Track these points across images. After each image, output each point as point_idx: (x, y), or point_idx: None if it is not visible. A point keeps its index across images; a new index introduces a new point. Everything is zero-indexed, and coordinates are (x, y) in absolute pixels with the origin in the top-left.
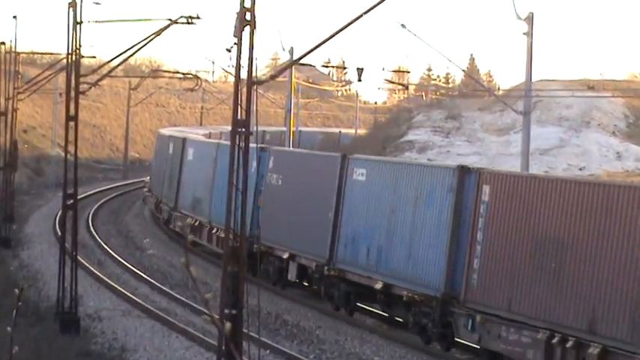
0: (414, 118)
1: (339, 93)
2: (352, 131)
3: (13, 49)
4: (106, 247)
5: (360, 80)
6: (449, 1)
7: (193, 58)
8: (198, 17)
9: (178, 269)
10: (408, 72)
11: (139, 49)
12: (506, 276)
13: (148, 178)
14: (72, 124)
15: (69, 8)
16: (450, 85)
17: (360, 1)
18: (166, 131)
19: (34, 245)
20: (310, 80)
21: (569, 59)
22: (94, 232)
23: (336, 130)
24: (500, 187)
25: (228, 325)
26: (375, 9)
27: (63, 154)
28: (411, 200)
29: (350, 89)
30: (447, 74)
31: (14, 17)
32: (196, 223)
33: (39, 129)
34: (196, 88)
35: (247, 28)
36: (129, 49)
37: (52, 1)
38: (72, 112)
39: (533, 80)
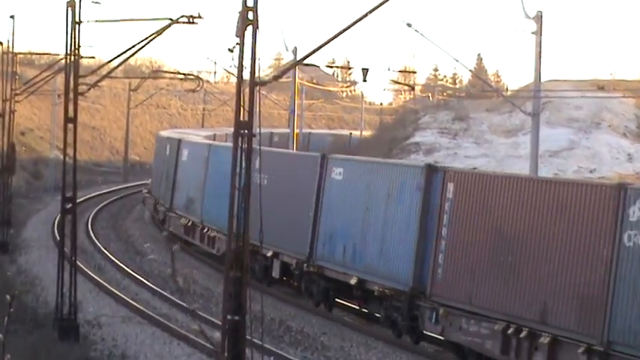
0: (420, 119)
1: (344, 94)
2: (358, 133)
3: (11, 50)
4: (105, 251)
5: (365, 81)
6: None
7: (195, 58)
8: (199, 17)
9: (180, 274)
10: (415, 72)
11: (139, 50)
12: (468, 270)
13: (149, 180)
14: (71, 126)
15: (67, 8)
16: (457, 86)
17: None
18: (166, 133)
19: (32, 250)
20: (314, 81)
21: (578, 59)
22: (93, 237)
23: (346, 132)
24: (463, 185)
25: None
26: (380, 8)
27: (61, 156)
28: (383, 198)
29: (355, 90)
30: (454, 74)
31: (11, 17)
32: (189, 224)
33: (37, 131)
34: (198, 89)
35: (250, 28)
36: (129, 50)
37: (50, 1)
38: (71, 113)
39: (542, 80)
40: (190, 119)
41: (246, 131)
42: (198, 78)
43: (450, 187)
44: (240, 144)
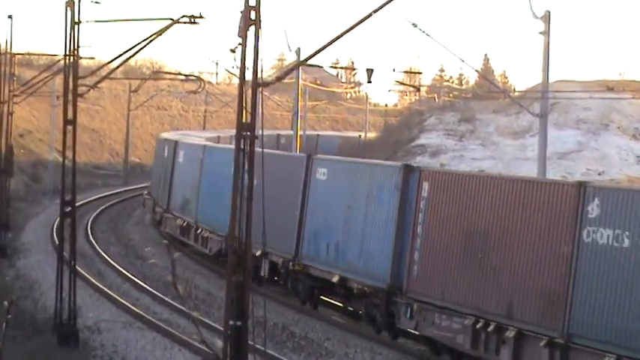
0: (426, 121)
1: (348, 95)
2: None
3: (9, 50)
4: (105, 256)
5: (369, 82)
6: None
7: (196, 59)
8: (201, 16)
9: (181, 279)
10: (420, 73)
11: (139, 50)
12: (441, 267)
13: (150, 183)
14: (70, 128)
15: (66, 7)
16: (464, 87)
17: None
18: (166, 135)
19: (30, 254)
20: (318, 82)
21: (587, 59)
22: (93, 241)
23: (355, 134)
24: (438, 184)
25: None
26: (385, 7)
27: (61, 159)
28: (363, 198)
29: (359, 91)
30: (461, 75)
31: (9, 17)
32: (185, 224)
33: (36, 133)
34: (199, 90)
35: (252, 28)
36: (129, 50)
37: (48, 0)
38: (70, 115)
39: (550, 81)
40: (192, 121)
41: (248, 133)
42: (199, 79)
43: (425, 186)
44: (243, 146)
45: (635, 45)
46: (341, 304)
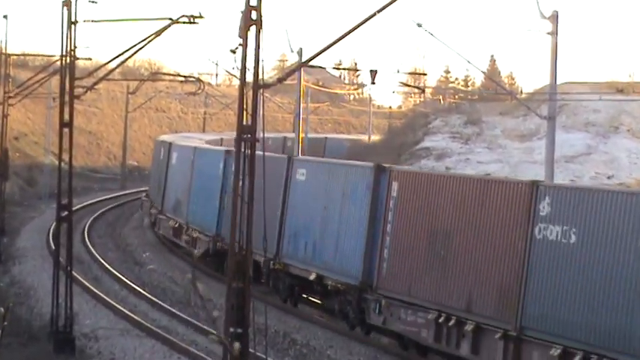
0: (431, 123)
1: (351, 97)
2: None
3: (4, 51)
4: (102, 261)
5: (373, 83)
6: None
7: (196, 60)
8: (200, 16)
9: (180, 285)
10: (425, 74)
11: (137, 51)
12: (408, 264)
13: (148, 188)
14: (66, 130)
15: (63, 7)
16: (470, 89)
17: None
18: (165, 137)
19: (26, 260)
20: (320, 83)
21: (596, 60)
22: (90, 246)
23: (365, 136)
24: (406, 184)
25: (237, 345)
26: (389, 7)
27: (57, 162)
28: (339, 197)
29: (363, 93)
30: (466, 76)
31: (5, 17)
32: (176, 225)
33: (31, 136)
34: (199, 91)
35: (253, 28)
36: (127, 51)
37: (45, 0)
38: (66, 117)
39: (558, 83)
40: (191, 123)
41: (249, 136)
42: (199, 80)
43: (395, 185)
44: (243, 149)
45: None
46: (319, 302)
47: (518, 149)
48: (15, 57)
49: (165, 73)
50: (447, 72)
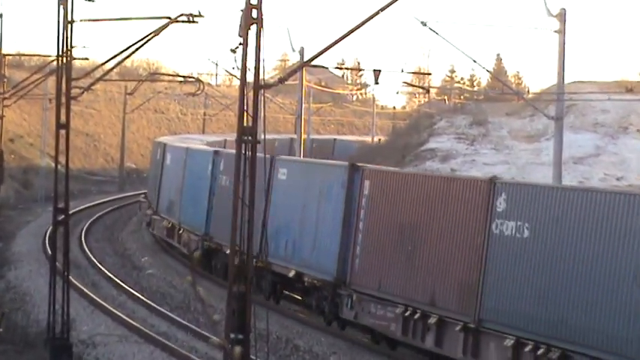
0: (435, 124)
1: (354, 97)
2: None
3: None
4: (100, 266)
5: (377, 83)
6: None
7: (195, 59)
8: (200, 15)
9: (179, 290)
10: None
11: (135, 51)
12: (379, 260)
13: (146, 191)
14: (63, 132)
15: (59, 6)
16: (475, 88)
17: None
18: (163, 139)
19: (22, 265)
20: (323, 83)
21: (605, 59)
22: (87, 251)
23: (369, 137)
24: (377, 182)
25: (237, 349)
26: (393, 5)
27: (53, 164)
28: (316, 196)
29: (366, 93)
30: (472, 76)
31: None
32: (170, 225)
33: (27, 138)
34: (198, 92)
35: (254, 27)
36: (125, 51)
37: None
38: (63, 119)
39: (565, 82)
40: (190, 124)
41: (249, 137)
42: (198, 81)
43: (367, 184)
44: (244, 151)
45: None
46: (300, 298)
47: (525, 150)
48: (10, 57)
49: (164, 74)
50: (452, 71)
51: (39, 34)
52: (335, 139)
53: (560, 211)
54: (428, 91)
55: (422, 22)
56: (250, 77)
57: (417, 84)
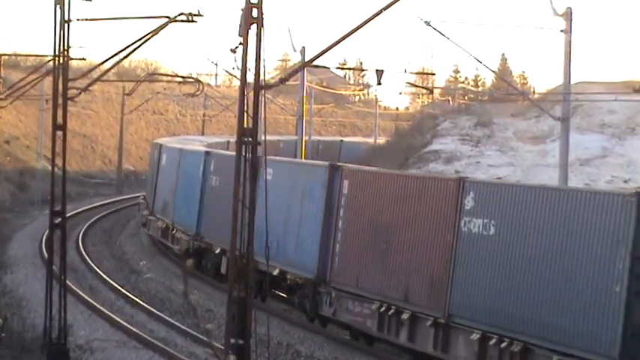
0: (439, 125)
1: (357, 98)
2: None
3: None
4: (98, 270)
5: (379, 83)
6: None
7: (194, 59)
8: (199, 14)
9: (178, 295)
10: (433, 74)
11: (133, 51)
12: (357, 257)
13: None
14: (60, 133)
15: (56, 5)
16: (480, 89)
17: None
18: (161, 140)
19: (18, 269)
20: (324, 84)
21: (611, 59)
22: (84, 254)
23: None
24: (355, 182)
25: (233, 358)
26: (396, 4)
27: (49, 167)
28: (299, 196)
29: (368, 93)
30: (477, 76)
31: None
32: (164, 226)
33: (23, 139)
34: (198, 93)
35: (254, 26)
36: (123, 51)
37: None
38: (59, 120)
39: (572, 82)
40: (189, 126)
41: (250, 139)
42: (197, 81)
43: (345, 183)
44: (245, 152)
45: None
46: (285, 296)
47: (530, 152)
48: (6, 57)
49: (162, 74)
50: (457, 72)
51: (35, 33)
52: (342, 141)
53: (522, 209)
54: (431, 92)
55: (425, 22)
56: (250, 77)
57: (420, 84)
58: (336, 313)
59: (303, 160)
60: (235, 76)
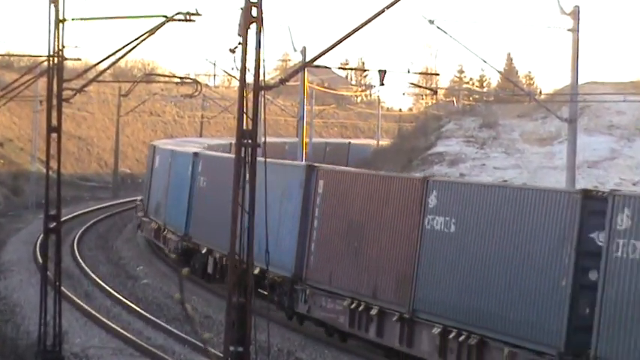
0: (443, 126)
1: (359, 99)
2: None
3: None
4: (93, 276)
5: (382, 84)
6: None
7: (192, 60)
8: (197, 13)
9: (176, 302)
10: (437, 74)
11: (130, 51)
12: (330, 255)
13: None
14: (54, 135)
15: (50, 4)
16: (485, 89)
17: None
18: (158, 142)
19: (12, 274)
20: (325, 84)
21: (620, 58)
22: (80, 260)
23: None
24: (330, 182)
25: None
26: (399, 3)
27: (44, 170)
28: (279, 196)
29: (371, 94)
30: (482, 76)
31: None
32: (157, 227)
33: (17, 142)
34: (196, 94)
35: (253, 26)
36: (119, 51)
37: None
38: (54, 122)
39: (579, 83)
40: (187, 127)
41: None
42: (195, 82)
43: (321, 183)
44: (244, 155)
45: None
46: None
47: (537, 154)
48: None
49: (159, 75)
50: (461, 72)
51: (29, 33)
52: (349, 143)
53: (479, 207)
54: (435, 93)
55: (429, 21)
56: (250, 78)
57: (424, 85)
58: (310, 310)
59: (285, 161)
60: (234, 77)
